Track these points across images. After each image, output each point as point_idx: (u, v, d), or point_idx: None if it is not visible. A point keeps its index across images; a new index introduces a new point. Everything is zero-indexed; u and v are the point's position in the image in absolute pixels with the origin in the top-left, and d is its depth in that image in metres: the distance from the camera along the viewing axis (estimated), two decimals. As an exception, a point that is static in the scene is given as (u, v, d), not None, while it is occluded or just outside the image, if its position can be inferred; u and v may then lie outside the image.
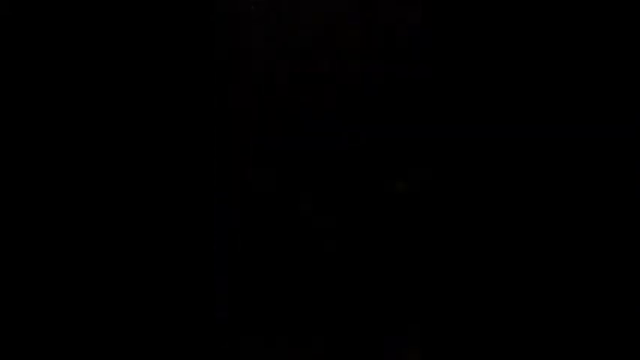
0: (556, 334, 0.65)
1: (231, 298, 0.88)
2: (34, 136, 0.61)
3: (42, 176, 0.60)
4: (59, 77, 0.62)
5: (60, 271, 0.58)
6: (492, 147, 0.73)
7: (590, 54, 0.69)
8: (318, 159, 1.01)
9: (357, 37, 1.13)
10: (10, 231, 0.58)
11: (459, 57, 0.76)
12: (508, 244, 0.70)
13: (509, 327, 0.68)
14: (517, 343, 0.67)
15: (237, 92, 1.12)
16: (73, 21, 0.62)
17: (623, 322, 0.62)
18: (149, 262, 0.61)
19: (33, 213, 0.59)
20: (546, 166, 0.70)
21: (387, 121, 1.05)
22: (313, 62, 1.08)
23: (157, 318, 0.60)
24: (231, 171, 0.99)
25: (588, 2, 0.68)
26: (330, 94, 1.09)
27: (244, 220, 0.90)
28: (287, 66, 1.07)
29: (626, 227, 0.65)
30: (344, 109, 1.08)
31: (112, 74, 0.63)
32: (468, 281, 0.71)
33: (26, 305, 0.56)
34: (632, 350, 0.61)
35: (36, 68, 0.62)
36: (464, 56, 0.76)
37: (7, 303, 0.55)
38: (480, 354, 0.68)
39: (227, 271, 0.79)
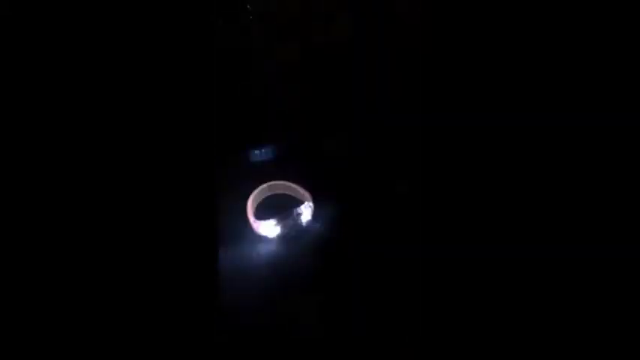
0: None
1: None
2: (34, 136, 0.61)
3: (42, 176, 0.60)
4: (59, 77, 0.62)
5: (61, 269, 0.58)
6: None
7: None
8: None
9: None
10: (13, 231, 0.57)
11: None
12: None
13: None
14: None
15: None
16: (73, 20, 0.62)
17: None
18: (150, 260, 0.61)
19: (37, 213, 0.59)
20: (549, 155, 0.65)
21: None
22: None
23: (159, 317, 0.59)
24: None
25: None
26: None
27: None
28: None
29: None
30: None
31: (111, 74, 0.63)
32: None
33: (26, 302, 0.56)
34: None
35: (36, 68, 0.62)
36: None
37: (11, 300, 0.55)
38: None
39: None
